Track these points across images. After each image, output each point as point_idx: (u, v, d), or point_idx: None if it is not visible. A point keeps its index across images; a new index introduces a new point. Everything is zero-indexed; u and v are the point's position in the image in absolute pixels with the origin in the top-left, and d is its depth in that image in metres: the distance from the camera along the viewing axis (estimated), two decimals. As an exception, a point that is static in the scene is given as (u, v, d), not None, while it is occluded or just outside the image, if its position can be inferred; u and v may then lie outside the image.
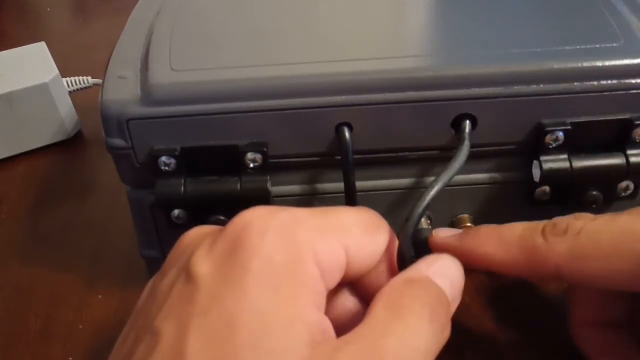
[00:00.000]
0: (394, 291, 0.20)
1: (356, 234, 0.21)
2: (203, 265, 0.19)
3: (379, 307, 0.20)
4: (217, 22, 0.33)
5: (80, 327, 0.33)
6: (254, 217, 0.19)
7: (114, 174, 0.31)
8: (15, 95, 0.44)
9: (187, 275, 0.19)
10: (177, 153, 0.28)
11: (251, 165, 0.29)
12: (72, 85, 0.50)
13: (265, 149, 0.28)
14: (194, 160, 0.29)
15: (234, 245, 0.19)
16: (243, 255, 0.18)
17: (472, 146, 0.28)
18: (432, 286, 0.21)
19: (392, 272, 0.23)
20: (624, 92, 0.28)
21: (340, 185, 0.29)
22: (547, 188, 0.30)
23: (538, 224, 0.23)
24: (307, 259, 0.19)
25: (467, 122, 0.28)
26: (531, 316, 0.32)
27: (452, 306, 0.22)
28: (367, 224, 0.21)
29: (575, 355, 0.30)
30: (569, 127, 0.28)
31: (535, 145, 0.29)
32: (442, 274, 0.22)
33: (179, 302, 0.18)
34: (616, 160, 0.29)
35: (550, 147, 0.29)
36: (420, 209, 0.25)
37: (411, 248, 0.25)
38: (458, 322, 0.31)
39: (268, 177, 0.29)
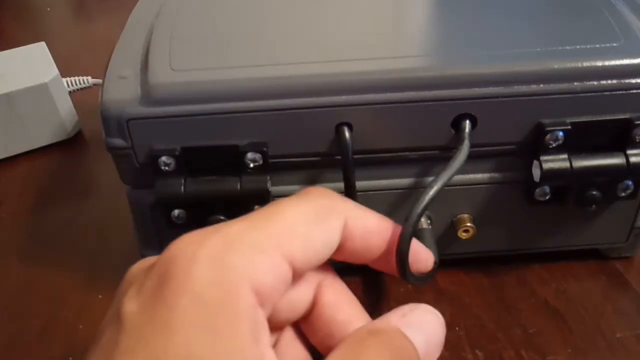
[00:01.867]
0: (355, 342, 0.19)
1: (302, 233, 0.19)
2: (130, 304, 0.17)
3: (337, 357, 0.18)
4: (217, 22, 0.33)
5: (80, 327, 0.33)
6: (181, 248, 0.18)
7: (114, 174, 0.31)
8: (15, 95, 0.44)
9: (117, 316, 0.17)
10: (177, 153, 0.28)
11: (251, 165, 0.29)
12: (72, 85, 0.50)
13: (265, 149, 0.28)
14: (194, 160, 0.29)
15: (161, 281, 0.17)
16: (170, 292, 0.17)
17: (472, 146, 0.28)
18: (401, 340, 0.19)
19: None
20: (624, 92, 0.28)
21: (340, 185, 0.29)
22: (547, 188, 0.30)
23: None
24: (241, 287, 0.17)
25: (467, 122, 0.28)
26: (531, 316, 0.32)
27: None
28: (315, 215, 0.20)
29: (574, 354, 0.30)
30: (569, 127, 0.28)
31: (535, 145, 0.29)
32: (416, 326, 0.20)
33: (106, 345, 0.17)
34: (616, 160, 0.29)
35: (550, 147, 0.29)
36: (419, 209, 0.25)
37: (410, 248, 0.25)
38: (458, 322, 0.32)
39: (268, 177, 0.29)
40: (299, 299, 0.21)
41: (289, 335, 0.22)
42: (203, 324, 0.16)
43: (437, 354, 0.20)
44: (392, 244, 0.23)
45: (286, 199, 0.20)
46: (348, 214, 0.21)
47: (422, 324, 0.20)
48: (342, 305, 0.22)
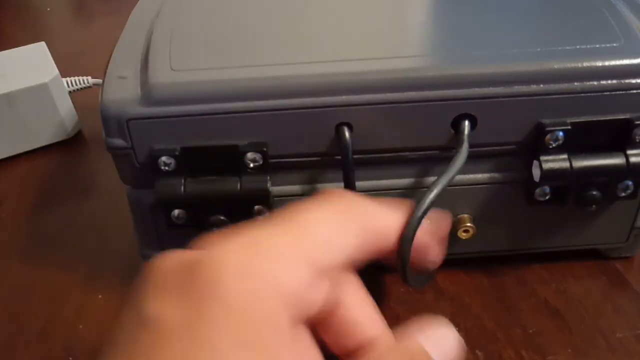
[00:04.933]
0: (380, 356, 0.20)
1: (321, 237, 0.20)
2: (158, 308, 0.17)
3: None
4: (217, 22, 0.33)
5: (80, 327, 0.33)
6: (207, 254, 0.18)
7: (114, 174, 0.31)
8: (15, 95, 0.44)
9: (144, 317, 0.17)
10: (177, 153, 0.28)
11: (251, 165, 0.29)
12: (72, 85, 0.50)
13: (265, 149, 0.28)
14: (194, 160, 0.29)
15: (189, 286, 0.17)
16: (202, 301, 0.17)
17: (472, 146, 0.28)
18: (423, 356, 0.20)
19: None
20: (624, 92, 0.28)
21: (340, 185, 0.29)
22: (547, 188, 0.30)
23: None
24: (271, 298, 0.17)
25: (467, 122, 0.28)
26: (531, 316, 0.32)
27: None
28: (334, 219, 0.20)
29: (574, 354, 0.30)
30: (569, 127, 0.28)
31: (535, 145, 0.29)
32: (436, 342, 0.21)
33: (134, 348, 0.17)
34: (616, 160, 0.29)
35: (550, 147, 0.29)
36: (420, 213, 0.25)
37: (411, 252, 0.25)
38: (458, 322, 0.32)
39: (268, 177, 0.29)
40: (317, 297, 0.21)
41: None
42: (243, 342, 0.16)
43: None
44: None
45: (307, 201, 0.21)
46: (365, 216, 0.22)
47: (441, 340, 0.21)
48: (360, 306, 0.22)
